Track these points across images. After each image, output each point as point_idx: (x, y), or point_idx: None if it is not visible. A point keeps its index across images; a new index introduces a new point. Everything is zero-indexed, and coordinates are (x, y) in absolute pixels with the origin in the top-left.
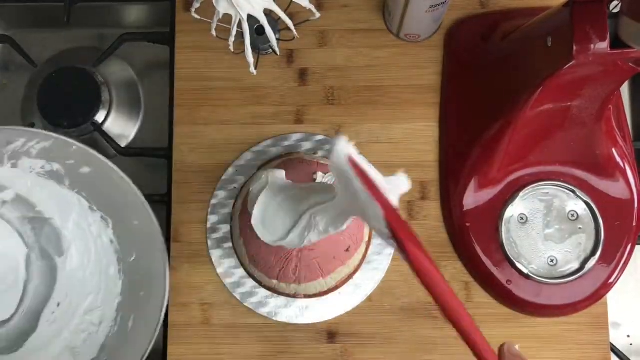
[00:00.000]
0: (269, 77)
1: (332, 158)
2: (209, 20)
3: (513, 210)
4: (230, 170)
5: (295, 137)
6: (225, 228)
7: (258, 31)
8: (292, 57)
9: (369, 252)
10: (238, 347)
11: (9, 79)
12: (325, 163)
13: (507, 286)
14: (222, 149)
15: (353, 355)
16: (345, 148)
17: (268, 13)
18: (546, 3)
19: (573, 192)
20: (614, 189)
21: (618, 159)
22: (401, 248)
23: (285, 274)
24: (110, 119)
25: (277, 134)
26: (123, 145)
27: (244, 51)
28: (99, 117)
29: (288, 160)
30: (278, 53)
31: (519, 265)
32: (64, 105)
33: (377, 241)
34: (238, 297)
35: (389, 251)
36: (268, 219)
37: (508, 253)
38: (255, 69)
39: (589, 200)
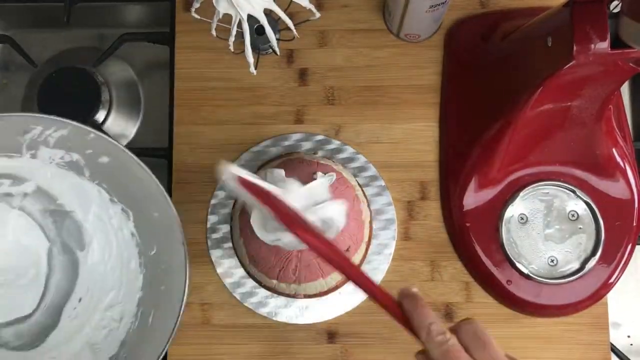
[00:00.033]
0: (269, 77)
1: (225, 187)
2: (209, 20)
3: (513, 210)
4: None
5: (295, 137)
6: (225, 228)
7: (258, 31)
8: (292, 57)
9: (369, 252)
10: (238, 347)
11: (9, 79)
12: (325, 163)
13: (507, 286)
14: (222, 149)
15: (353, 355)
16: (229, 175)
17: (268, 13)
18: (546, 3)
19: (573, 192)
20: (614, 189)
21: (618, 159)
22: (298, 237)
23: (285, 274)
24: (110, 119)
25: (277, 134)
26: (123, 145)
27: (244, 51)
28: (99, 117)
29: (288, 160)
30: (278, 53)
31: (519, 266)
32: (64, 105)
33: (377, 241)
34: (238, 297)
35: (389, 251)
36: (268, 218)
37: (508, 253)
38: (255, 69)
39: (589, 200)
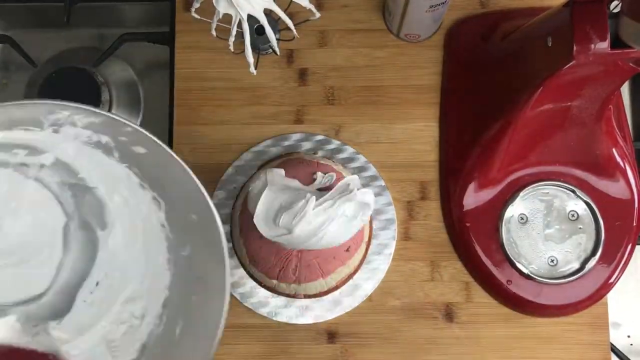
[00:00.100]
0: (269, 77)
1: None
2: (209, 20)
3: (513, 210)
4: (230, 170)
5: (295, 137)
6: (225, 228)
7: (258, 31)
8: (292, 57)
9: (369, 252)
10: (238, 347)
11: (9, 79)
12: (325, 163)
13: (507, 286)
14: (222, 149)
15: (353, 355)
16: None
17: (268, 13)
18: (546, 3)
19: (573, 192)
20: (614, 189)
21: (618, 159)
22: None
23: (285, 274)
24: None
25: (277, 134)
26: None
27: (244, 51)
28: None
29: (288, 160)
30: (278, 53)
31: (519, 265)
32: None
33: (377, 241)
34: (238, 297)
35: (389, 251)
36: (270, 215)
37: (508, 253)
38: (255, 69)
39: (589, 200)
